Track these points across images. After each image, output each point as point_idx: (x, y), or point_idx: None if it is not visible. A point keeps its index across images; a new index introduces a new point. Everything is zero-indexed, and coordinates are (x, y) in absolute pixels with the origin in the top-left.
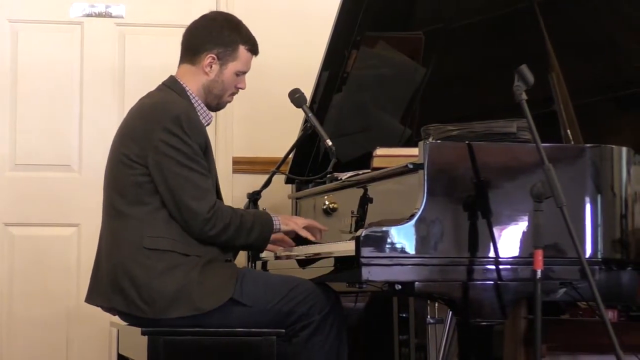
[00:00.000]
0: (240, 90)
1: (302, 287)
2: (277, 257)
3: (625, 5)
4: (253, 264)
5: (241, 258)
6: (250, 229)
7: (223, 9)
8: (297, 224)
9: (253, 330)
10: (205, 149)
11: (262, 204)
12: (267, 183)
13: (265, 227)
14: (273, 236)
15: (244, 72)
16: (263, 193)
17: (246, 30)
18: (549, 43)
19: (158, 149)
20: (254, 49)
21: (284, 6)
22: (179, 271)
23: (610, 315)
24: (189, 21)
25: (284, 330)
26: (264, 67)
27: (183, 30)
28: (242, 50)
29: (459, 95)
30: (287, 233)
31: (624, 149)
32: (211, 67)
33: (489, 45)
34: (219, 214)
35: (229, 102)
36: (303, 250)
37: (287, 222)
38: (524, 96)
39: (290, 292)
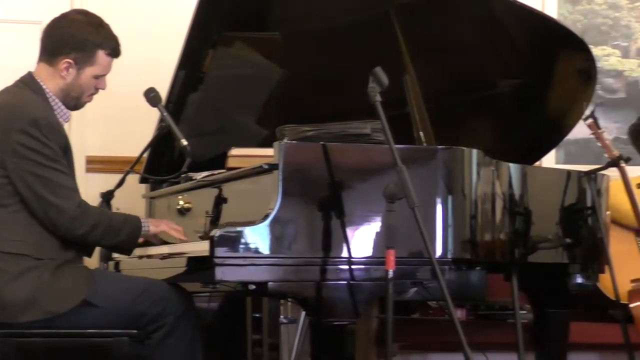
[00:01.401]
0: (100, 90)
1: (156, 288)
2: (138, 257)
3: (478, 10)
4: (105, 264)
5: (94, 259)
6: (119, 230)
7: (78, 5)
8: (169, 225)
9: (105, 331)
10: (65, 150)
11: (115, 203)
12: (120, 182)
13: (135, 228)
14: (144, 238)
15: (103, 75)
16: (117, 193)
17: (107, 32)
18: (403, 46)
19: (17, 152)
20: (114, 52)
21: (140, 4)
22: (31, 275)
23: (459, 314)
24: (45, 17)
25: (136, 332)
26: (119, 66)
27: (39, 26)
28: (101, 54)
29: (316, 97)
30: (155, 236)
31: (475, 151)
32: (68, 71)
33: (346, 48)
34: (87, 213)
35: (88, 102)
36: (157, 250)
37: (157, 224)
38: (378, 98)
39: (143, 293)
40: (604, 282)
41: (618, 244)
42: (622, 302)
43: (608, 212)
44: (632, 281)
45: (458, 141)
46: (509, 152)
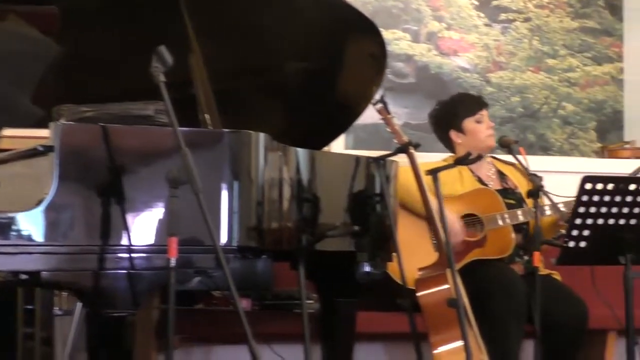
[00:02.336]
0: None
1: None
2: None
3: None
4: None
5: None
6: None
7: None
8: None
9: None
10: None
11: None
12: None
13: None
14: None
15: None
16: None
17: None
18: (189, 25)
19: None
20: None
21: None
22: None
23: (244, 304)
24: None
25: None
26: None
27: None
28: None
29: (97, 76)
30: None
31: (262, 135)
32: None
33: (130, 25)
34: None
35: None
36: None
37: None
38: (162, 78)
39: None
40: (395, 270)
41: (408, 232)
42: (412, 288)
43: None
44: (420, 269)
45: (245, 125)
46: (298, 136)
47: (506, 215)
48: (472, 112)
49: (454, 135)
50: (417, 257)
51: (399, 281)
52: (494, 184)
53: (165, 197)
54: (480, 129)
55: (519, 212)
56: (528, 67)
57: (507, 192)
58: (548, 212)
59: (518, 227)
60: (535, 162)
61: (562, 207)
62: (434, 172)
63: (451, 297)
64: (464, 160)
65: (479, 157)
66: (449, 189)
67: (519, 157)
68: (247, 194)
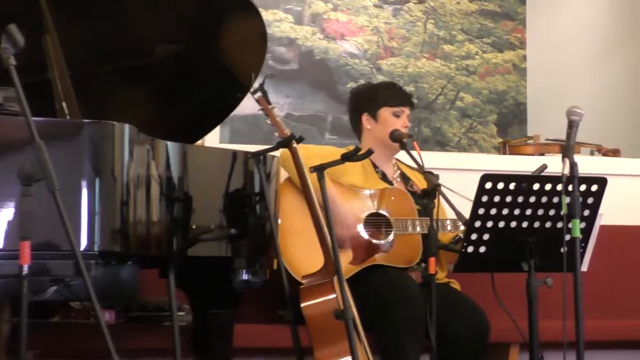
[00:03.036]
0: None
1: None
2: None
3: None
4: None
5: None
6: None
7: None
8: None
9: None
10: None
11: None
12: None
13: None
14: None
15: None
16: None
17: None
18: (44, 2)
19: None
20: None
21: None
22: None
23: (107, 316)
24: None
25: None
26: None
27: None
28: None
29: None
30: None
31: (127, 127)
32: None
33: None
34: None
35: None
36: None
37: None
38: (13, 61)
39: None
40: (297, 266)
41: (297, 234)
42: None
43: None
44: (304, 277)
45: (108, 115)
46: (168, 128)
47: (418, 223)
48: (393, 104)
49: (365, 119)
50: (308, 261)
51: (299, 279)
52: (399, 186)
53: (16, 195)
54: (394, 123)
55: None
56: (422, 54)
57: (415, 197)
58: (449, 227)
59: (422, 235)
60: (430, 159)
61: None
62: (319, 170)
63: (338, 308)
64: (350, 156)
65: (369, 153)
66: (353, 179)
67: (413, 153)
68: (111, 192)
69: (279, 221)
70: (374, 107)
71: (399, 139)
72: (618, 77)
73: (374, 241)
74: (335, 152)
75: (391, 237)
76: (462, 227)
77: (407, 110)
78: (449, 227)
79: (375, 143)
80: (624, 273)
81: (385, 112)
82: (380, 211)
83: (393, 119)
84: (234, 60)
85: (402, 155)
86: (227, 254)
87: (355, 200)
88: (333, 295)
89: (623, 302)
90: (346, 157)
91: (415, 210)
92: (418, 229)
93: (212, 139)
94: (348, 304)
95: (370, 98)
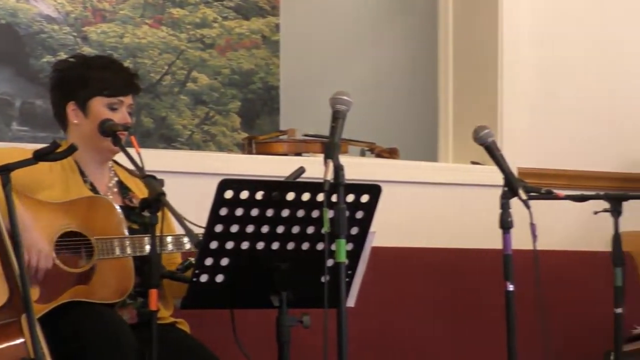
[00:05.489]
0: None
1: None
2: None
3: None
4: None
5: None
6: None
7: None
8: None
9: None
10: None
11: None
12: None
13: None
14: None
15: None
16: None
17: None
18: None
19: None
20: None
21: None
22: None
23: None
24: None
25: None
26: None
27: None
28: None
29: None
30: None
31: None
32: None
33: None
34: None
35: None
36: None
37: None
38: None
39: None
40: None
41: None
42: None
43: None
44: None
45: None
46: None
47: (127, 243)
48: (109, 92)
49: (71, 110)
50: None
51: None
52: (114, 199)
53: None
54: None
55: (147, 239)
56: (144, 19)
57: (131, 213)
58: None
59: (140, 260)
60: (154, 159)
61: (190, 225)
62: (3, 171)
63: (28, 357)
64: (46, 154)
65: (72, 149)
66: (54, 193)
67: (131, 150)
68: None
69: None
70: (83, 96)
71: (110, 131)
72: (395, 56)
73: (68, 270)
74: (26, 153)
75: (92, 262)
76: (190, 248)
77: (127, 100)
78: (170, 247)
79: (83, 142)
80: (400, 308)
81: (98, 104)
82: (76, 229)
83: (108, 113)
84: None
85: (121, 157)
86: None
87: (45, 216)
88: (21, 340)
89: (399, 345)
90: (40, 156)
91: (122, 225)
92: (129, 250)
93: None
94: (40, 352)
95: (79, 81)
